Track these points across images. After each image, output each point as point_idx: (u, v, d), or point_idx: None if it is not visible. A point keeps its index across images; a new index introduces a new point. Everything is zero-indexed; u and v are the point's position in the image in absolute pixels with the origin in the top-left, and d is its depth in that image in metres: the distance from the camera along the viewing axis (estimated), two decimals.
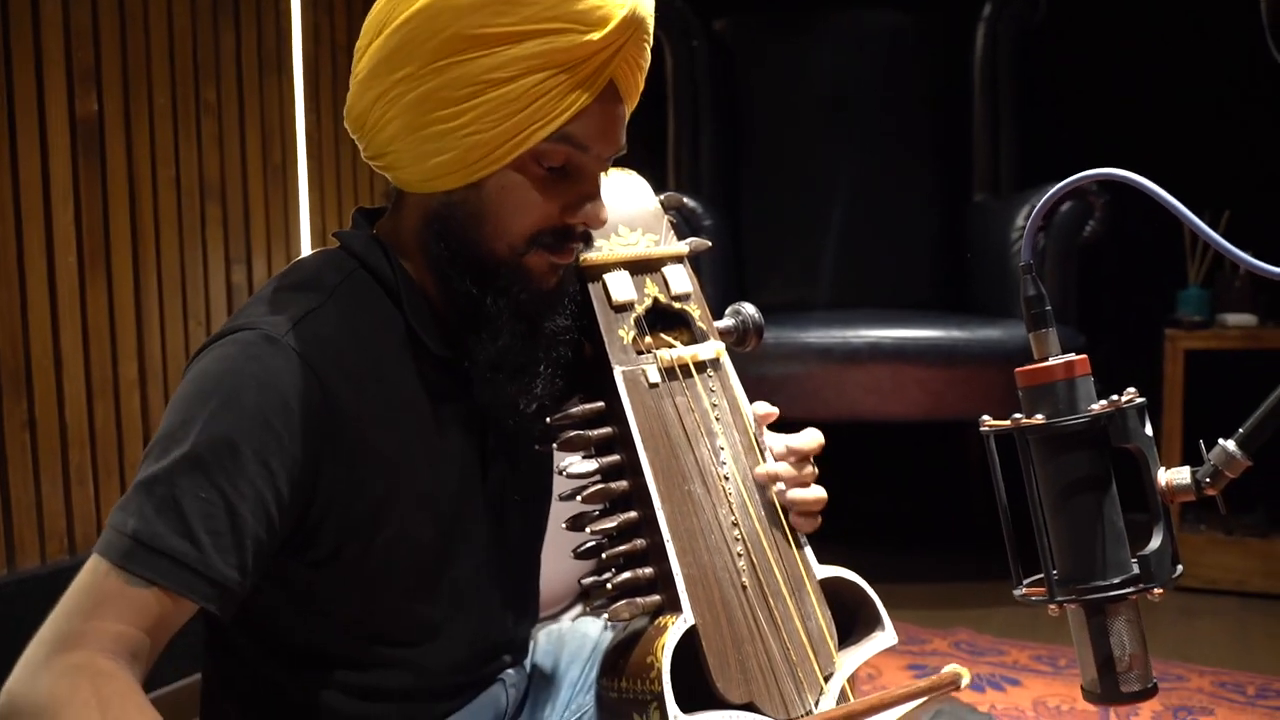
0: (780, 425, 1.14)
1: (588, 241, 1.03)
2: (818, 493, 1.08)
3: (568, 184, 0.97)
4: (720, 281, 2.70)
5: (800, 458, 1.08)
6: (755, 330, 1.18)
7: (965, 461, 3.22)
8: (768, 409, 1.13)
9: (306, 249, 2.20)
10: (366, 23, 0.97)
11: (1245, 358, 2.54)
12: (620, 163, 1.07)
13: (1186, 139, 2.79)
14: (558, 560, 1.31)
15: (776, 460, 1.09)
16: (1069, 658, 2.06)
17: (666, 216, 1.16)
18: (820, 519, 1.10)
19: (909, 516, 3.24)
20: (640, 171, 1.18)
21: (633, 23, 0.92)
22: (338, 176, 2.29)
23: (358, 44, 0.97)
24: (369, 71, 0.95)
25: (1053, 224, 2.56)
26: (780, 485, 1.08)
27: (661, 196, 1.17)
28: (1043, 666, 2.02)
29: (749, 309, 1.18)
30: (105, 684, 0.79)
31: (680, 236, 1.17)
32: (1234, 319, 2.62)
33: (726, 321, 1.18)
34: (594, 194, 0.98)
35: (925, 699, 0.94)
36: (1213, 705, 1.84)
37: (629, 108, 1.00)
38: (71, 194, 1.72)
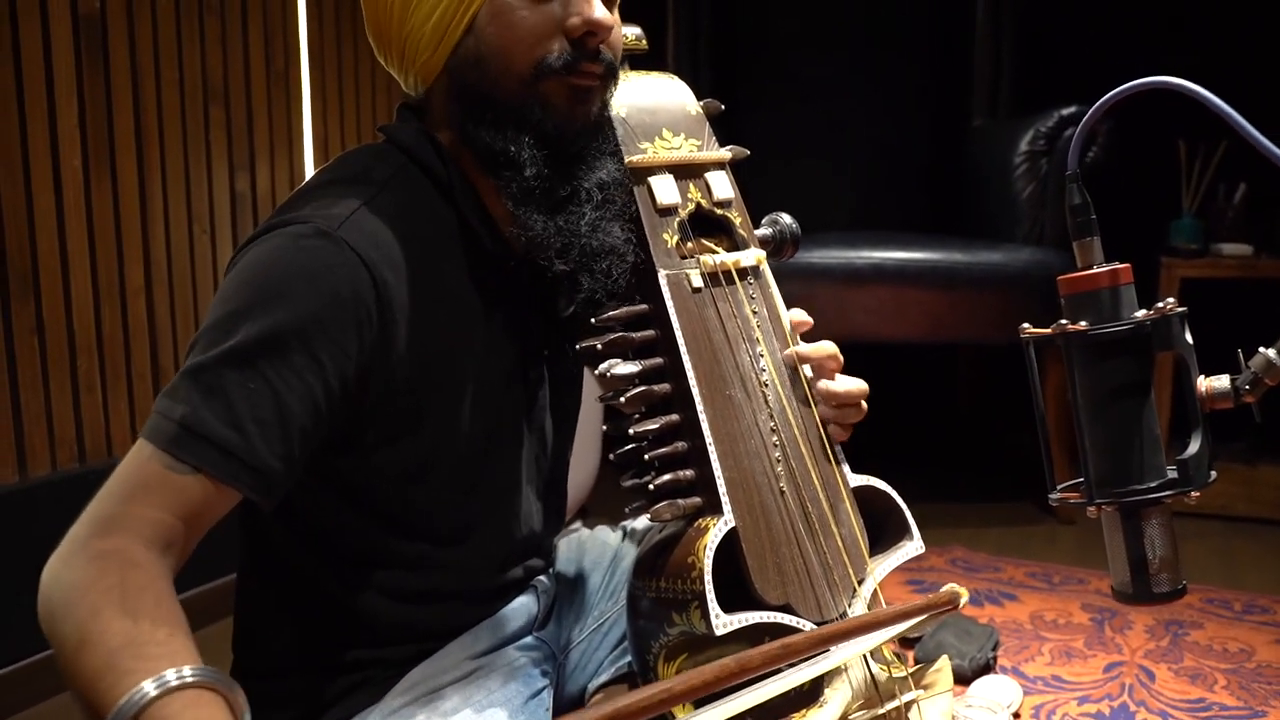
0: None
1: (611, 73, 0.98)
2: (853, 384, 1.08)
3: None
4: None
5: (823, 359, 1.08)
6: (792, 240, 1.18)
7: (955, 385, 3.25)
8: (802, 316, 1.13)
9: (309, 158, 2.16)
10: None
11: (1240, 287, 2.57)
12: None
13: (1190, 62, 2.78)
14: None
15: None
16: (1062, 575, 2.10)
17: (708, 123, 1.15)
18: (865, 408, 1.09)
19: (901, 439, 3.27)
20: None
21: None
22: (340, 85, 2.24)
23: None
24: None
25: (1055, 150, 2.55)
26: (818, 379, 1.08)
27: (702, 102, 1.15)
28: (1037, 583, 2.07)
29: (786, 219, 1.18)
30: (131, 573, 0.79)
31: None
32: (1229, 248, 2.63)
33: (764, 230, 1.17)
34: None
35: (924, 616, 0.97)
36: (1203, 620, 1.89)
37: None
38: (76, 93, 1.68)
